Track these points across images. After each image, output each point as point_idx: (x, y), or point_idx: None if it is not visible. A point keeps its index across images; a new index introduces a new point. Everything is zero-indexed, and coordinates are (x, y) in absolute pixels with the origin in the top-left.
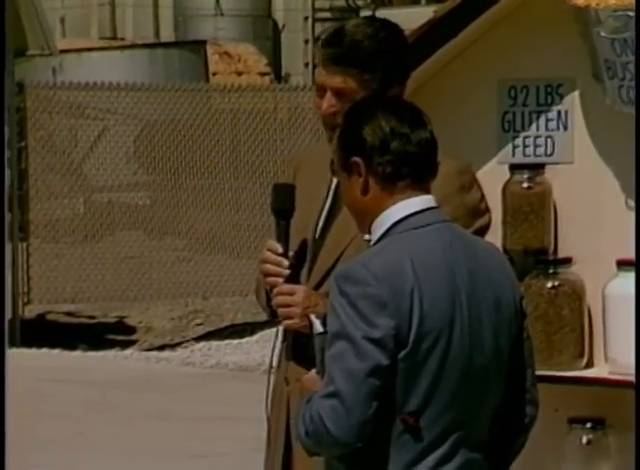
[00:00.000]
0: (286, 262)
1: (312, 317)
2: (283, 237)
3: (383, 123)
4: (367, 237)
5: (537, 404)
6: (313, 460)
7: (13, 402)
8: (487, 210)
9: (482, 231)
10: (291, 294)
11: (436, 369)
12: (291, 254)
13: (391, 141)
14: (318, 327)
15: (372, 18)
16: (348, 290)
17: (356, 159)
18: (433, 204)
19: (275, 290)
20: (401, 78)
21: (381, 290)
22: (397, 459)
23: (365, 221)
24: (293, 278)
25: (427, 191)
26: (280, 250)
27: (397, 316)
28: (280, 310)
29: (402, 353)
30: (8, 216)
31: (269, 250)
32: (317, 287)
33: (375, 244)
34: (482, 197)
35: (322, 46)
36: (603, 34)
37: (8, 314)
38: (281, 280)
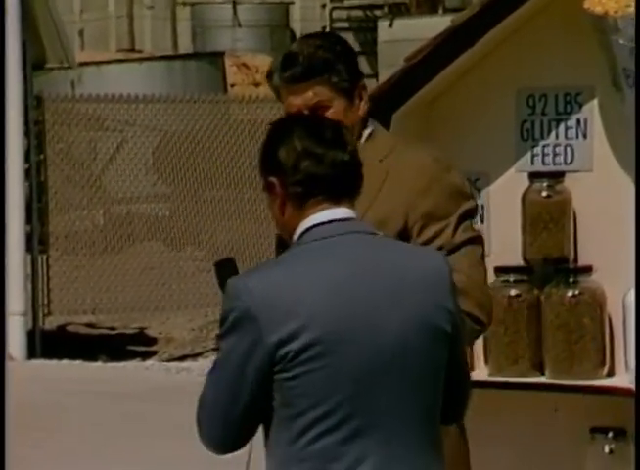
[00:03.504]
0: None
1: None
2: None
3: (297, 143)
4: None
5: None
6: None
7: (34, 414)
8: (472, 195)
9: (470, 214)
10: None
11: (325, 377)
12: None
13: (303, 161)
14: None
15: (310, 34)
16: (224, 303)
17: (272, 179)
18: (345, 215)
19: None
20: (360, 76)
21: (251, 303)
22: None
23: (289, 238)
24: None
25: (345, 206)
26: None
27: (270, 329)
28: None
29: (281, 365)
30: (27, 228)
31: None
32: None
33: None
34: (465, 181)
35: (281, 72)
36: (622, 42)
37: (28, 326)
38: None
